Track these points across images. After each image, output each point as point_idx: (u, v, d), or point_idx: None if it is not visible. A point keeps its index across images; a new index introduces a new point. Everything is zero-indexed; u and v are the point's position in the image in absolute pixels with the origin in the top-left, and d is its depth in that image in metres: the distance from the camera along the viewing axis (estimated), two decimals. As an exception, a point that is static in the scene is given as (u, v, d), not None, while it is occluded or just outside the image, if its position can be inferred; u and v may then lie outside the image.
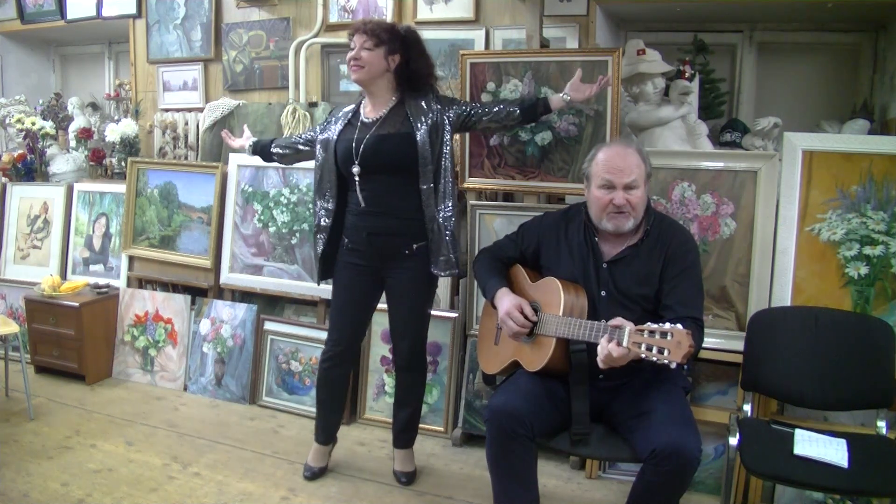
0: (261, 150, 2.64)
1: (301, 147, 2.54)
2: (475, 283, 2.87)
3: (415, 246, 2.31)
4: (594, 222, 2.01)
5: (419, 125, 2.25)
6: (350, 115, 2.38)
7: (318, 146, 2.40)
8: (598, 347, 1.76)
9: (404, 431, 2.59)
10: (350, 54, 2.26)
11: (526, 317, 1.98)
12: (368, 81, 2.28)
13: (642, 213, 1.97)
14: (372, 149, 2.26)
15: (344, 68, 3.59)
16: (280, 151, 2.59)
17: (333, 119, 2.43)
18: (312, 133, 2.51)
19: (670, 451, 1.70)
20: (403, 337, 2.45)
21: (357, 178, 2.28)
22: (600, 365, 1.77)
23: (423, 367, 2.55)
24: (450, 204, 2.30)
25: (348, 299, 2.44)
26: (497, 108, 2.36)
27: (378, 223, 2.30)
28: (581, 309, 1.94)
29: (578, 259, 2.03)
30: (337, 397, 2.59)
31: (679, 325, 1.63)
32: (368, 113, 2.33)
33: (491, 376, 2.25)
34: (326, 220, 2.37)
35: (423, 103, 2.30)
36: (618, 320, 1.77)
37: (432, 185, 2.27)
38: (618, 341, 1.72)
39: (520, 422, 1.85)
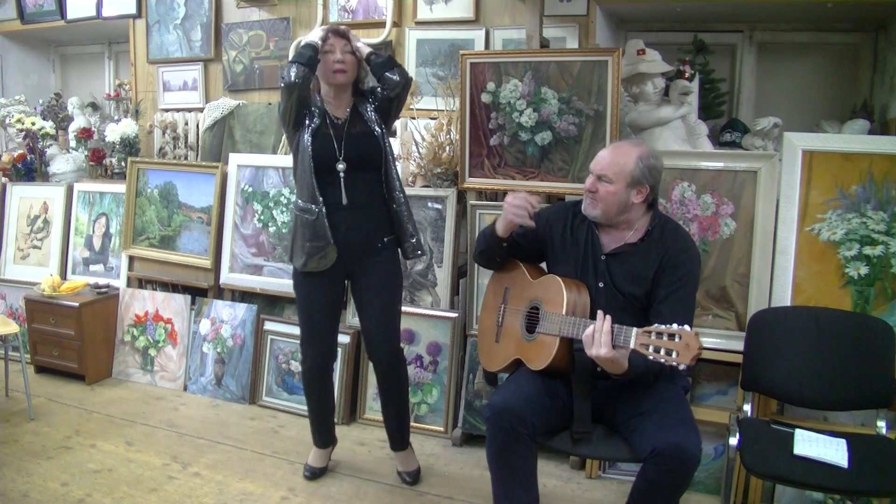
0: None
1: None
2: (475, 283, 2.88)
3: (385, 239, 2.38)
4: None
5: (372, 123, 2.35)
6: (316, 111, 2.32)
7: (303, 139, 2.30)
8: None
9: (400, 432, 2.59)
10: (335, 58, 2.27)
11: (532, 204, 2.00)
12: (347, 83, 2.33)
13: (614, 211, 1.96)
14: (355, 146, 2.31)
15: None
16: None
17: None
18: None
19: (670, 451, 1.70)
20: (385, 337, 2.45)
21: (342, 176, 2.30)
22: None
23: (404, 362, 2.56)
24: (399, 188, 2.38)
25: (321, 304, 2.43)
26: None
27: (355, 217, 2.32)
28: (584, 306, 1.94)
29: (580, 249, 2.04)
30: (326, 399, 2.60)
31: (686, 327, 1.62)
32: (332, 112, 2.35)
33: (492, 374, 2.24)
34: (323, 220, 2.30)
35: (365, 101, 2.38)
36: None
37: (384, 174, 2.36)
38: (623, 341, 1.72)
39: (521, 420, 1.85)
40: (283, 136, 3.53)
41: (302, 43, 2.34)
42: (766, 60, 3.26)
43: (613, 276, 1.98)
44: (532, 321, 2.02)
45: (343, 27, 2.35)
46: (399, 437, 2.59)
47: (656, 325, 1.67)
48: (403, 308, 3.01)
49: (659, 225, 1.99)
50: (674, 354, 1.61)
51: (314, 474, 2.60)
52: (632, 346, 1.69)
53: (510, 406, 1.87)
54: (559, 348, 1.90)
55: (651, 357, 1.64)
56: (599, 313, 1.77)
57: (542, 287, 2.04)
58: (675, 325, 1.64)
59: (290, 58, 2.31)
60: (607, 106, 2.60)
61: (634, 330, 1.70)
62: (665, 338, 1.63)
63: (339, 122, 2.34)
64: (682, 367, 1.61)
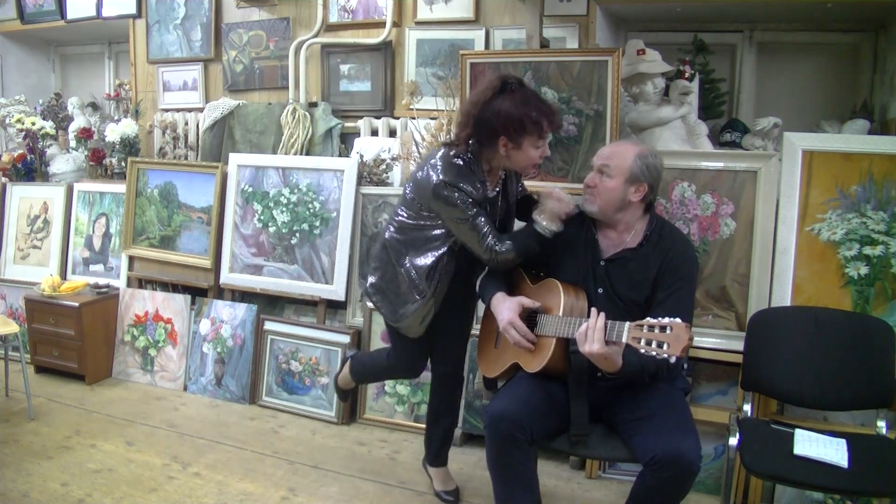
0: None
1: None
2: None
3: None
4: None
5: (514, 198, 2.27)
6: (480, 186, 2.12)
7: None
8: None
9: (444, 446, 2.54)
10: (543, 154, 2.07)
11: (528, 319, 1.98)
12: None
13: (612, 208, 1.97)
14: (502, 227, 2.22)
15: (344, 68, 3.60)
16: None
17: (471, 189, 2.09)
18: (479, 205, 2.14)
19: (670, 459, 1.69)
20: (460, 352, 2.46)
21: None
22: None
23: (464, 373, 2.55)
24: None
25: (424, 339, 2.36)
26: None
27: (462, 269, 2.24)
28: (581, 310, 1.93)
29: (579, 254, 2.04)
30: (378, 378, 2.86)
31: (678, 319, 1.62)
32: (487, 183, 2.17)
33: (492, 381, 2.23)
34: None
35: (514, 178, 2.27)
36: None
37: None
38: (617, 336, 1.71)
39: (519, 426, 1.84)
40: (283, 137, 3.55)
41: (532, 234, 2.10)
42: (766, 60, 3.26)
43: (613, 282, 1.98)
44: (530, 325, 2.02)
45: (560, 121, 2.22)
46: (443, 454, 2.54)
47: (648, 318, 1.67)
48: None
49: (657, 229, 1.99)
50: (665, 346, 1.60)
51: (346, 396, 2.75)
52: (624, 339, 1.69)
53: (508, 413, 1.86)
54: (555, 349, 1.90)
55: (643, 350, 1.64)
56: (593, 311, 1.78)
57: (542, 291, 2.04)
58: (666, 318, 1.63)
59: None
60: (607, 106, 2.60)
61: (627, 324, 1.70)
62: (657, 330, 1.63)
63: (491, 198, 2.18)
64: (672, 359, 1.60)
